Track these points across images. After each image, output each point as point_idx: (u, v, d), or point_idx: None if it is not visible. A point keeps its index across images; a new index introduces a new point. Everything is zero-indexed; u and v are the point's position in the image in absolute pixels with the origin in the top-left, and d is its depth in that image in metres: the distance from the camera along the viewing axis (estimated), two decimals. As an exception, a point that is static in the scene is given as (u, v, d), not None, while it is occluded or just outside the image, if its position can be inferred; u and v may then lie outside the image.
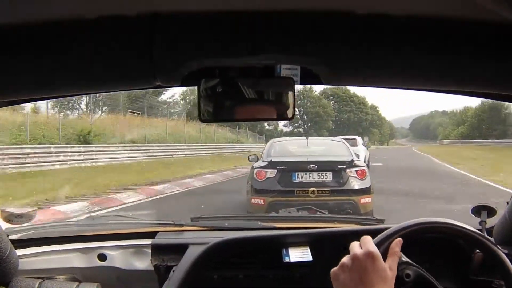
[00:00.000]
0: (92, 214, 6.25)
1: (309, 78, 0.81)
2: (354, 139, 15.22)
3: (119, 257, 1.50)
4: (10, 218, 1.44)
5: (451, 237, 1.20)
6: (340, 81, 0.74)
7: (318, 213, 2.06)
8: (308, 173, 5.73)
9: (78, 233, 1.60)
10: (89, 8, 0.64)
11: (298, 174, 5.74)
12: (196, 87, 0.79)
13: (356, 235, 1.41)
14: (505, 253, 1.11)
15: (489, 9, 0.42)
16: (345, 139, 16.27)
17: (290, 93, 0.81)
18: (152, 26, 0.66)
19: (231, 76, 0.79)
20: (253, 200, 5.70)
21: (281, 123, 44.45)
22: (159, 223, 1.64)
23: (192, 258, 1.33)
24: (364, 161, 13.93)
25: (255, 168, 5.94)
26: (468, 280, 1.25)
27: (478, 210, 1.32)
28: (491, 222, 1.30)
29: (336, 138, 8.23)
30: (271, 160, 5.94)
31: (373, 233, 1.17)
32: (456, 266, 1.31)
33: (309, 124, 52.21)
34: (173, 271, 1.34)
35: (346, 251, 0.93)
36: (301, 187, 5.64)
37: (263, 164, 5.96)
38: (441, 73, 0.71)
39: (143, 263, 1.49)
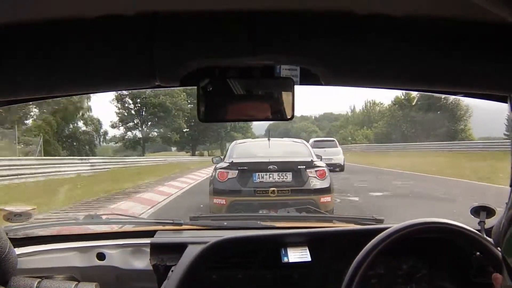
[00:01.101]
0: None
1: (308, 78, 0.81)
2: (333, 141, 15.45)
3: (118, 256, 1.50)
4: (9, 216, 1.44)
5: (450, 237, 1.20)
6: (339, 81, 0.74)
7: (317, 212, 2.06)
8: (268, 173, 5.91)
9: (77, 232, 1.60)
10: (89, 8, 0.64)
11: (258, 175, 5.91)
12: (195, 87, 0.79)
13: (355, 235, 1.42)
14: None
15: (487, 10, 0.42)
16: (323, 141, 15.94)
17: (289, 94, 0.81)
18: (152, 26, 0.66)
19: (230, 76, 0.79)
20: (215, 200, 5.86)
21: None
22: (158, 222, 1.64)
23: (191, 258, 1.33)
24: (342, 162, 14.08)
25: (217, 169, 6.09)
26: (469, 281, 1.25)
27: (477, 211, 1.32)
28: (491, 222, 1.30)
29: (298, 139, 8.35)
30: (232, 161, 6.10)
31: (372, 233, 1.17)
32: (456, 267, 1.31)
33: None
34: (172, 270, 1.34)
35: (345, 251, 0.93)
36: (261, 187, 5.81)
37: (225, 165, 6.10)
38: (441, 74, 0.71)
39: (142, 263, 1.49)
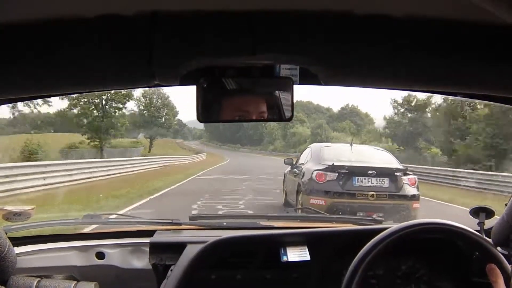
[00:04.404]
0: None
1: (307, 78, 0.81)
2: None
3: (117, 255, 1.50)
4: (8, 216, 1.44)
5: (450, 238, 1.20)
6: (339, 81, 0.74)
7: (317, 213, 2.06)
8: (367, 177, 6.17)
9: (76, 231, 1.60)
10: (88, 7, 0.64)
11: (358, 179, 6.17)
12: (195, 87, 0.79)
13: (354, 235, 1.42)
14: (503, 255, 1.11)
15: (487, 11, 0.41)
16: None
17: (289, 94, 0.81)
18: (151, 25, 0.66)
19: (229, 76, 0.79)
20: (312, 201, 6.08)
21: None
22: (158, 222, 1.64)
23: (190, 257, 1.33)
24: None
25: (314, 170, 6.30)
26: (469, 282, 1.25)
27: (476, 211, 1.32)
28: (490, 223, 1.30)
29: (378, 147, 8.86)
30: (333, 164, 6.27)
31: (372, 234, 1.17)
32: (455, 267, 1.31)
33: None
34: (171, 270, 1.34)
35: (344, 251, 0.93)
36: (360, 190, 6.08)
37: (322, 167, 6.32)
38: (440, 74, 0.71)
39: (141, 262, 1.49)
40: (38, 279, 1.32)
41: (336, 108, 50.52)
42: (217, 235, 1.42)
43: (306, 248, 1.38)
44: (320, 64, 0.70)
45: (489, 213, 1.31)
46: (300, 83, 0.83)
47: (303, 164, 7.08)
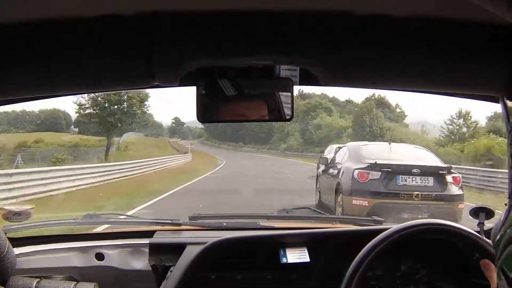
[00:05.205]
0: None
1: (307, 78, 0.81)
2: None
3: (116, 256, 1.49)
4: (8, 216, 1.43)
5: (449, 238, 1.20)
6: (339, 82, 0.74)
7: (317, 213, 2.06)
8: (411, 176, 5.83)
9: (76, 232, 1.60)
10: (88, 7, 0.64)
11: (402, 177, 5.86)
12: (194, 87, 0.79)
13: (354, 236, 1.42)
14: None
15: (487, 11, 0.41)
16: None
17: (288, 94, 0.81)
18: (151, 25, 0.66)
19: (229, 76, 0.79)
20: (354, 201, 5.79)
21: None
22: (157, 222, 1.64)
23: (190, 258, 1.33)
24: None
25: (355, 169, 5.93)
26: (469, 283, 1.25)
27: (476, 212, 1.32)
28: (490, 223, 1.30)
29: (418, 145, 8.39)
30: (375, 162, 5.93)
31: (371, 234, 1.17)
32: (455, 268, 1.31)
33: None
34: (171, 271, 1.34)
35: (344, 251, 0.93)
36: (404, 190, 5.77)
37: (363, 165, 5.94)
38: (440, 75, 0.71)
39: (141, 263, 1.49)
40: (37, 279, 1.32)
41: (358, 99, 43.94)
42: (217, 236, 1.42)
43: (306, 249, 1.38)
44: (320, 65, 0.69)
45: (489, 214, 1.30)
46: (300, 84, 0.83)
47: (339, 163, 6.69)
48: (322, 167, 7.57)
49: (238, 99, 0.81)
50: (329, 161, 7.32)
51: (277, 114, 0.82)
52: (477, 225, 1.30)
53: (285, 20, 0.66)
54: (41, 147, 20.76)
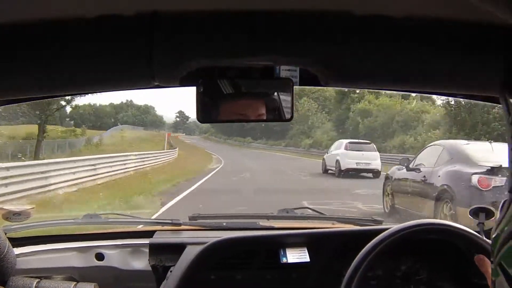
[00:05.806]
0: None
1: (307, 79, 0.81)
2: (371, 144, 13.68)
3: (116, 256, 1.49)
4: (8, 216, 1.43)
5: (449, 239, 1.20)
6: (339, 82, 0.74)
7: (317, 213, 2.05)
8: None
9: (76, 232, 1.60)
10: (88, 7, 0.64)
11: None
12: (194, 87, 0.79)
13: (354, 236, 1.42)
14: None
15: (487, 11, 0.41)
16: (360, 143, 13.64)
17: (289, 94, 0.81)
18: (151, 25, 0.66)
19: (230, 77, 0.79)
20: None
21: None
22: (157, 222, 1.64)
23: (190, 259, 1.33)
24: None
25: (473, 173, 5.02)
26: (469, 283, 1.25)
27: (476, 212, 1.32)
28: (490, 224, 1.30)
29: None
30: (500, 165, 4.88)
31: (371, 234, 1.17)
32: (455, 268, 1.31)
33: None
34: (171, 271, 1.34)
35: (344, 251, 0.93)
36: None
37: (480, 169, 5.01)
38: (440, 75, 0.71)
39: (141, 263, 1.49)
40: (37, 280, 1.32)
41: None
42: (217, 236, 1.41)
43: (306, 249, 1.38)
44: (320, 65, 0.69)
45: (489, 214, 1.30)
46: (300, 84, 0.83)
47: (431, 167, 5.66)
48: (399, 171, 6.59)
49: (238, 99, 0.81)
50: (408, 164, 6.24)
51: (277, 114, 0.82)
52: (477, 225, 1.30)
53: (285, 20, 0.66)
54: None
